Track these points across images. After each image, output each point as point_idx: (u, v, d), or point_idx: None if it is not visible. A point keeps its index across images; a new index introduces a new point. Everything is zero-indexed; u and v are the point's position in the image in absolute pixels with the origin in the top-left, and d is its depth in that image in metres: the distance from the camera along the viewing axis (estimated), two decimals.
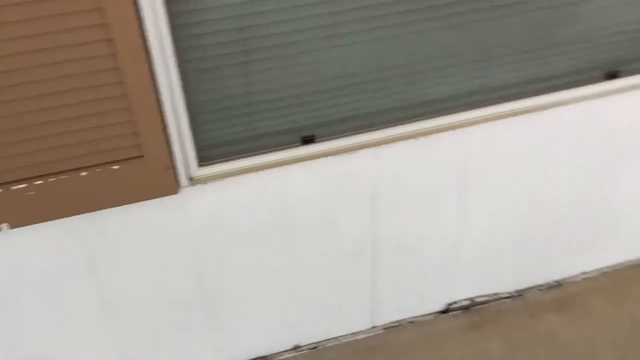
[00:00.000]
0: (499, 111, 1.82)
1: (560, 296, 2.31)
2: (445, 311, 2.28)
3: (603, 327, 2.19)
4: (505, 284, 2.30)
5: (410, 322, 2.25)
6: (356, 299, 2.12)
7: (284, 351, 2.14)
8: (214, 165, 1.66)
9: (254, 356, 2.10)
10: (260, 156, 1.69)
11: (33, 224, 1.52)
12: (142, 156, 1.51)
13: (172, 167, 1.57)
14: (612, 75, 1.84)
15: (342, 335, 2.20)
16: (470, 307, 2.29)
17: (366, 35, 1.60)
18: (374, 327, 2.23)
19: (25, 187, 1.46)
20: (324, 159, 1.74)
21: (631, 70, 1.86)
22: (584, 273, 2.36)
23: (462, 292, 2.27)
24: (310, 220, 1.85)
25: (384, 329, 2.23)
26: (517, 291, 2.32)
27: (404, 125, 1.78)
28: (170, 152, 1.55)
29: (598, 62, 1.84)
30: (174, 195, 1.61)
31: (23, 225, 1.52)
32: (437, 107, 1.79)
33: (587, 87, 1.85)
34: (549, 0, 1.69)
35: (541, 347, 2.14)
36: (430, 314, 2.27)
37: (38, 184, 1.47)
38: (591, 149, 1.99)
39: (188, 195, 1.67)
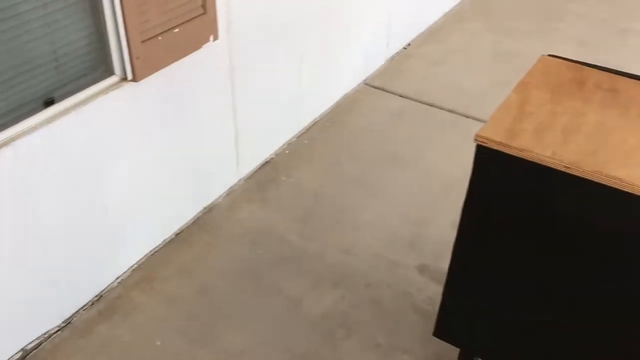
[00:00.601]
0: None
1: (105, 307, 2.49)
2: None
3: (147, 312, 2.47)
4: (52, 319, 2.36)
5: None
6: None
7: None
8: None
9: None
10: None
11: None
12: None
13: None
14: (49, 103, 2.07)
15: None
16: (25, 357, 2.27)
17: None
18: None
19: None
20: None
21: (64, 94, 2.13)
22: (118, 277, 2.60)
23: (9, 349, 2.23)
24: None
25: None
26: (64, 321, 2.41)
27: None
28: None
29: (36, 93, 2.05)
30: None
31: None
32: None
33: (34, 117, 2.04)
34: None
35: (105, 356, 2.29)
36: None
37: None
38: (63, 171, 2.20)
39: None
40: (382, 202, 3.04)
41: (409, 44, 4.32)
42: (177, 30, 2.37)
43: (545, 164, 1.56)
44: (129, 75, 2.28)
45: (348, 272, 2.68)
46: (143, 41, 2.25)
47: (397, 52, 4.21)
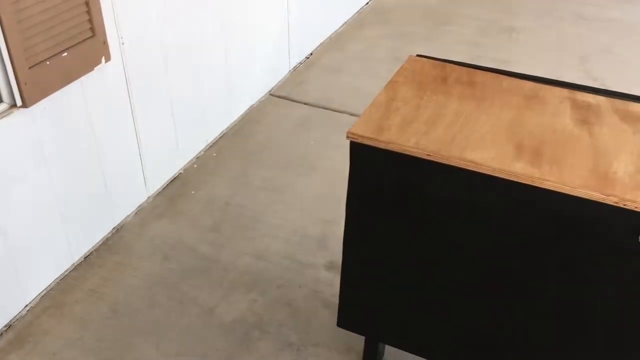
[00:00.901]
0: None
1: (15, 336, 2.47)
2: None
3: (59, 337, 2.47)
4: None
5: None
6: None
7: None
8: None
9: None
10: None
11: None
12: None
13: None
14: None
15: None
16: None
17: None
18: None
19: None
20: None
21: None
22: (26, 305, 2.58)
23: None
24: None
25: None
26: None
27: None
28: None
29: None
30: None
31: None
32: None
33: None
34: None
35: None
36: None
37: None
38: None
39: None
40: (290, 206, 3.15)
41: (312, 54, 4.47)
42: (65, 54, 2.40)
43: (410, 154, 1.70)
44: (19, 102, 2.29)
45: (260, 277, 2.76)
46: (30, 67, 2.27)
47: (300, 62, 4.35)
